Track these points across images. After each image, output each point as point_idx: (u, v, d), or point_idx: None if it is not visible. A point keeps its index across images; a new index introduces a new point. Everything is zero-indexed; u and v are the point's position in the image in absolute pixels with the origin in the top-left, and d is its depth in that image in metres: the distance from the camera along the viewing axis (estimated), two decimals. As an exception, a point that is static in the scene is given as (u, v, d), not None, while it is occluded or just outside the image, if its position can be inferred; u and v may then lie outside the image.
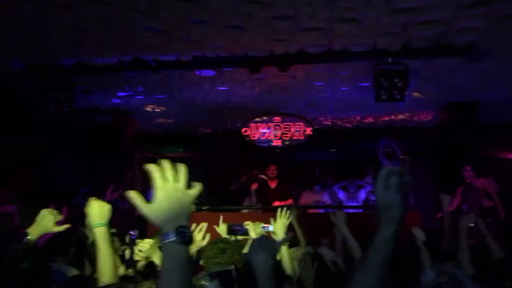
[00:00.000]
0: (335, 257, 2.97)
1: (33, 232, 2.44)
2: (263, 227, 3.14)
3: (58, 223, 4.94)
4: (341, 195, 8.40)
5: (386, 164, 8.27)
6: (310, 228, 4.33)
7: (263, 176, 7.34)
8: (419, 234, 2.79)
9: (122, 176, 7.29)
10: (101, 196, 2.23)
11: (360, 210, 8.07)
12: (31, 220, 2.55)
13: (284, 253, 2.82)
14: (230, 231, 3.31)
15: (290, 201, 7.09)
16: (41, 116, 6.58)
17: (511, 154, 9.03)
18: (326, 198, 7.65)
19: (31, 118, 6.79)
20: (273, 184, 7.12)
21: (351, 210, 8.01)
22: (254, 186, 7.43)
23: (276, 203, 6.92)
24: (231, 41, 4.95)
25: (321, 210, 7.58)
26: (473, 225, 2.92)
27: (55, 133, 7.32)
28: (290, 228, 3.98)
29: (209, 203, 9.12)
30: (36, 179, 7.26)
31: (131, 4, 4.19)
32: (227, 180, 9.96)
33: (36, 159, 7.39)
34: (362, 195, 8.22)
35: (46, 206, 5.10)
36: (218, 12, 4.30)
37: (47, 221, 2.51)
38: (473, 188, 6.52)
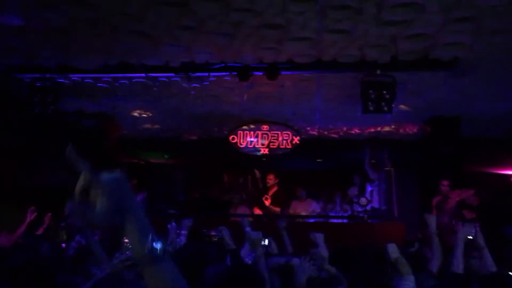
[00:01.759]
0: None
1: None
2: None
3: (39, 229, 4.78)
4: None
5: (371, 175, 8.35)
6: (298, 238, 4.30)
7: (257, 173, 7.42)
8: (392, 249, 2.55)
9: None
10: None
11: (345, 221, 8.08)
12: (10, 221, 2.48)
13: None
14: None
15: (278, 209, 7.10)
16: (25, 118, 6.45)
17: (493, 168, 9.16)
18: (314, 207, 7.64)
19: (15, 119, 6.64)
20: (271, 192, 7.17)
21: (335, 220, 8.02)
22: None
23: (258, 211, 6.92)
24: (220, 48, 4.94)
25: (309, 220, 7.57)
26: (471, 237, 2.87)
27: (38, 135, 7.17)
28: (279, 238, 3.98)
29: (193, 210, 9.05)
30: (16, 181, 7.09)
31: (120, 8, 4.14)
32: (211, 187, 9.90)
33: (18, 160, 7.23)
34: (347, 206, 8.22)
35: (26, 208, 4.96)
36: (208, 19, 4.28)
37: None
38: (448, 199, 6.60)
